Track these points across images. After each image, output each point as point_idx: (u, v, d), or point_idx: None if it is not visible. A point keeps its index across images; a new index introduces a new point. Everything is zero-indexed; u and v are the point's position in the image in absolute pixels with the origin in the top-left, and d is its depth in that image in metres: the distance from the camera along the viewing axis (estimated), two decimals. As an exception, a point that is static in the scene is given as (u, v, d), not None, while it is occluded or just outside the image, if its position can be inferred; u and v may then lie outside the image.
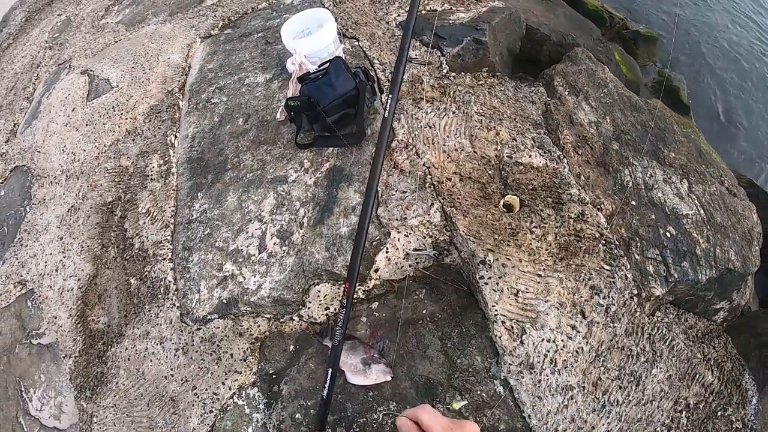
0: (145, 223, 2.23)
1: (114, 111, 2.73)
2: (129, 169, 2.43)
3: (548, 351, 1.68)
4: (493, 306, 1.73)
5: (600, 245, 1.82)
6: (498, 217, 1.85)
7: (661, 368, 1.78)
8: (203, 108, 2.54)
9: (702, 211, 2.06)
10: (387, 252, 1.88)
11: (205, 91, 2.59)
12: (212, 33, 2.96)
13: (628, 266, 1.83)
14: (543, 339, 1.69)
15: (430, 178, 1.92)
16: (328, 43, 2.22)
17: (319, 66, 2.17)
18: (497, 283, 1.82)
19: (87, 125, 2.70)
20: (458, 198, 1.90)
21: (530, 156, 2.04)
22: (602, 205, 1.95)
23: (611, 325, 1.78)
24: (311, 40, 2.22)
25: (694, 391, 1.78)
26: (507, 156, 2.01)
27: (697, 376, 1.82)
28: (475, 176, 1.94)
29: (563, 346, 1.69)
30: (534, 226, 1.85)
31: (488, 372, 1.72)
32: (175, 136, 2.53)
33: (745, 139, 4.20)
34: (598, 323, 1.74)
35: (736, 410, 1.80)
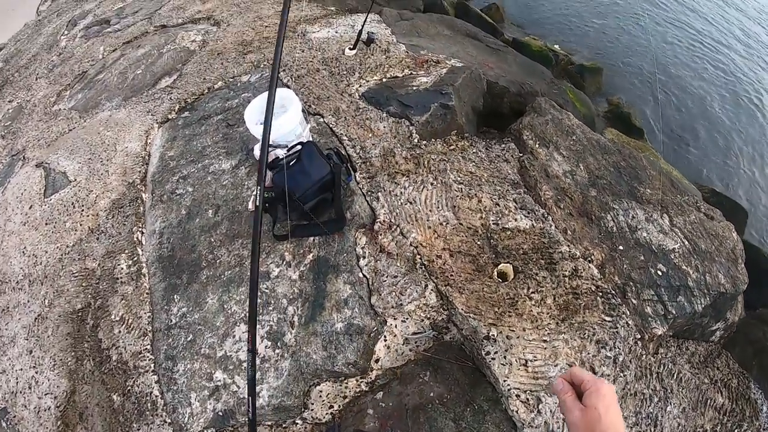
0: (120, 332, 2.27)
1: (74, 207, 2.56)
2: (96, 272, 2.30)
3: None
4: (504, 381, 1.83)
5: (598, 298, 1.99)
6: (495, 289, 1.77)
7: (674, 404, 1.92)
8: (168, 200, 2.64)
9: (686, 242, 2.26)
10: (385, 340, 2.00)
11: (169, 181, 2.73)
12: (169, 117, 3.18)
13: (628, 313, 1.98)
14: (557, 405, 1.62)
15: (420, 258, 2.02)
16: (294, 126, 2.42)
17: (289, 149, 2.32)
18: (505, 357, 1.76)
19: (47, 224, 2.57)
20: (452, 275, 2.05)
21: (516, 219, 2.22)
22: (593, 256, 2.21)
23: (621, 374, 1.89)
24: (277, 125, 2.36)
25: (708, 416, 1.97)
26: (493, 223, 2.21)
27: (709, 401, 2.01)
28: (464, 249, 1.86)
29: None
30: (532, 292, 2.02)
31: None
32: (142, 233, 2.60)
33: (696, 148, 4.38)
34: (608, 375, 1.87)
35: (750, 424, 1.95)
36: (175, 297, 2.21)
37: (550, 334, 1.87)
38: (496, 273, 1.99)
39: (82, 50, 4.31)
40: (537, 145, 2.52)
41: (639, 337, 1.93)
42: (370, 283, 1.97)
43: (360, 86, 2.83)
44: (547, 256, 2.04)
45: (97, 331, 2.29)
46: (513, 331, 1.85)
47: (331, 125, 2.63)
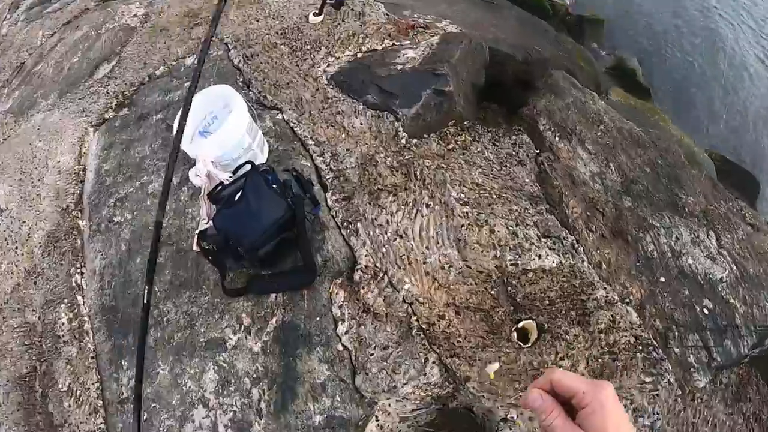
0: (70, 406, 1.84)
1: (8, 245, 2.10)
2: (37, 327, 2.06)
3: None
4: None
5: (637, 354, 1.57)
6: (515, 357, 1.31)
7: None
8: (106, 230, 2.13)
9: (735, 267, 1.85)
10: (377, 420, 1.56)
11: (105, 204, 2.20)
12: (106, 117, 2.53)
13: (670, 368, 1.59)
14: None
15: (417, 320, 1.66)
16: (241, 135, 1.79)
17: (236, 171, 1.76)
18: None
19: (-21, 266, 2.03)
20: (458, 341, 1.57)
21: (539, 256, 1.70)
22: (631, 295, 1.75)
23: None
24: (217, 141, 1.77)
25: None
26: (511, 263, 1.68)
27: (741, 442, 1.64)
28: (474, 303, 1.38)
29: None
30: (560, 358, 1.58)
31: None
32: (81, 273, 2.09)
33: (703, 110, 3.83)
34: None
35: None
36: (122, 363, 1.79)
37: None
38: (515, 334, 1.54)
39: (22, 37, 3.50)
40: (557, 138, 1.94)
41: (679, 393, 1.55)
42: (353, 357, 1.51)
43: (328, 66, 2.13)
44: (579, 305, 1.57)
45: (47, 403, 1.88)
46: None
47: (291, 124, 1.99)
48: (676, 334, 1.66)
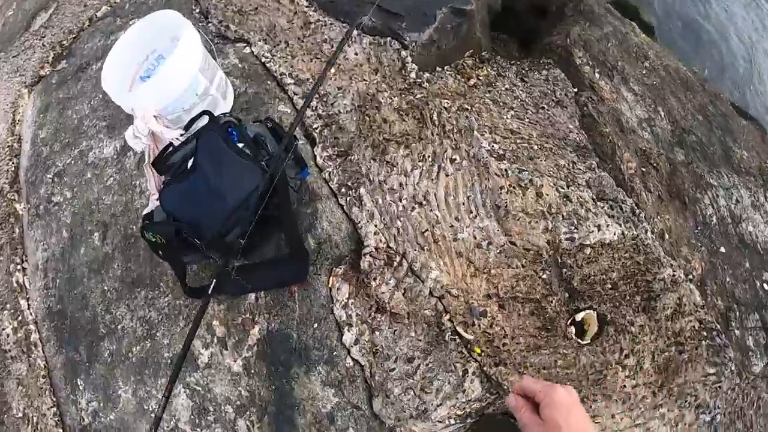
0: None
1: None
2: None
3: None
4: None
5: (702, 341, 1.21)
6: (573, 359, 0.91)
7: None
8: (46, 213, 1.58)
9: None
10: None
11: (44, 181, 1.62)
12: (42, 74, 1.91)
13: (732, 355, 1.24)
14: None
15: (450, 319, 1.16)
16: (193, 77, 1.18)
17: (188, 124, 1.15)
18: None
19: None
20: (504, 344, 1.11)
21: (598, 226, 1.21)
22: (694, 271, 1.35)
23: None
24: (160, 85, 1.16)
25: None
26: (566, 237, 1.19)
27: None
28: (522, 292, 0.91)
29: None
30: (625, 356, 1.17)
31: None
32: (23, 270, 1.55)
33: (712, 50, 3.35)
34: None
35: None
36: (78, 383, 1.33)
37: (644, 412, 1.12)
38: (572, 329, 1.10)
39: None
40: (597, 75, 1.44)
41: (737, 382, 1.25)
42: (368, 375, 1.04)
43: None
44: (645, 288, 1.16)
45: (5, 432, 1.43)
46: (597, 422, 1.06)
47: (263, 58, 1.33)
48: (737, 314, 1.33)
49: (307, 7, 1.48)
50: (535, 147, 1.28)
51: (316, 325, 1.11)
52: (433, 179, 1.19)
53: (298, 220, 1.16)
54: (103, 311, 1.35)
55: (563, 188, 1.22)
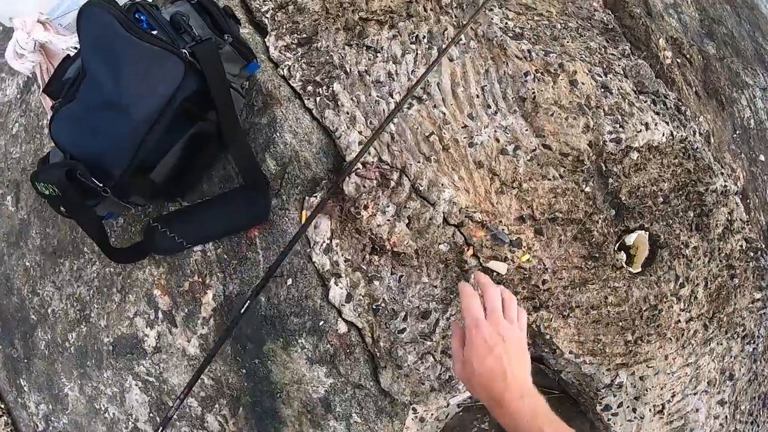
0: None
1: None
2: None
3: None
4: None
5: (749, 263, 0.90)
6: (624, 293, 0.82)
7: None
8: None
9: None
10: (415, 413, 0.75)
11: None
12: None
13: None
14: None
15: (473, 253, 0.71)
16: None
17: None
18: (634, 409, 0.86)
19: None
20: (544, 280, 0.72)
21: (645, 123, 0.80)
22: (738, 181, 1.03)
23: (753, 366, 0.95)
24: None
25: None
26: (611, 138, 0.77)
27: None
28: (563, 211, 0.78)
29: (710, 429, 0.90)
30: (680, 285, 0.83)
31: None
32: None
33: None
34: (743, 376, 0.93)
35: None
36: (22, 383, 0.97)
37: (696, 348, 0.84)
38: (622, 255, 0.78)
39: None
40: None
41: None
42: (370, 341, 0.65)
43: None
44: (697, 201, 0.85)
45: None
46: (650, 367, 0.76)
47: None
48: None
49: None
50: (558, 26, 0.90)
51: (290, 281, 0.70)
52: (432, 65, 0.80)
53: (250, 136, 0.74)
54: (29, 293, 0.89)
55: (600, 76, 0.84)
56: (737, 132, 1.01)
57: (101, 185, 0.62)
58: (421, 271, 0.70)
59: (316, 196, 0.72)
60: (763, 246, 0.98)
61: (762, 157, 1.04)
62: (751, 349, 1.00)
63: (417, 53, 0.79)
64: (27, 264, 0.93)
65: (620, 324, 0.80)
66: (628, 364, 0.82)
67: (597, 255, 0.78)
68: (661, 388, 0.87)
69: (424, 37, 0.80)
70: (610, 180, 0.80)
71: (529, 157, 0.75)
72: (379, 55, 0.78)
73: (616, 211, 0.81)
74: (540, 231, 0.75)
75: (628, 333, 0.80)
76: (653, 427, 0.89)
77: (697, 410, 0.94)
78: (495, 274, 0.72)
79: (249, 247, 0.71)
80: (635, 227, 0.82)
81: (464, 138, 0.74)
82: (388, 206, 0.71)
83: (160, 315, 0.74)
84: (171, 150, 0.67)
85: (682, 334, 0.87)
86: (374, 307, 0.70)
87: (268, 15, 0.81)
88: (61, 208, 0.64)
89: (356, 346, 0.69)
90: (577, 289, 0.76)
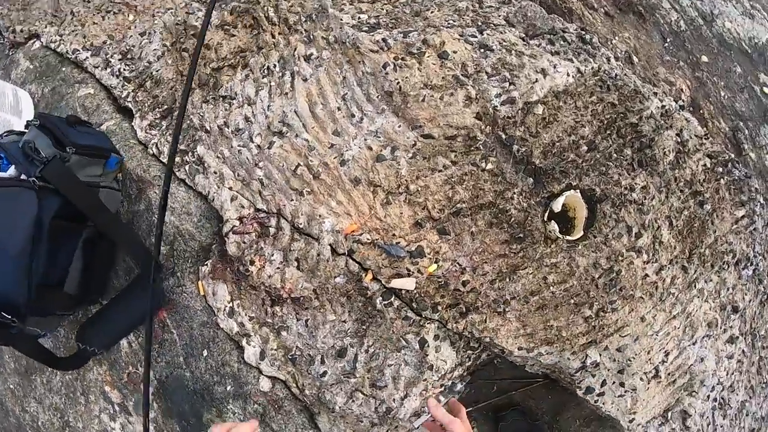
0: None
1: None
2: None
3: (717, 400, 0.70)
4: (630, 421, 0.64)
5: (720, 180, 0.67)
6: (567, 266, 0.58)
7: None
8: None
9: None
10: None
11: None
12: None
13: (757, 185, 0.71)
14: (708, 396, 0.69)
15: (372, 277, 0.57)
16: None
17: None
18: (621, 384, 0.67)
19: None
20: (464, 281, 0.55)
21: (541, 69, 0.57)
22: (682, 94, 0.77)
23: (760, 287, 0.74)
24: None
25: None
26: (501, 101, 0.56)
27: None
28: (466, 199, 0.65)
29: (726, 371, 0.71)
30: (636, 236, 0.62)
31: None
32: None
33: None
34: (751, 302, 0.72)
35: None
36: None
37: (679, 296, 0.63)
38: (554, 225, 0.61)
39: None
40: None
41: None
42: (297, 392, 0.55)
43: None
44: (633, 135, 0.64)
45: None
46: (625, 335, 0.58)
47: (52, 44, 0.76)
48: (746, 132, 0.82)
49: None
50: None
51: (205, 352, 0.61)
52: (287, 93, 0.66)
53: (135, 225, 0.66)
54: (21, 412, 0.85)
55: (475, 36, 0.66)
56: (668, 40, 0.76)
57: (9, 317, 0.57)
58: (324, 310, 0.58)
59: (207, 264, 0.63)
60: (733, 156, 0.73)
61: (705, 58, 0.78)
62: (750, 272, 0.76)
63: (270, 86, 0.66)
64: (11, 386, 0.88)
65: (572, 301, 0.62)
66: (596, 340, 0.64)
67: (522, 235, 0.61)
68: (648, 352, 0.68)
69: (275, 66, 0.67)
70: (515, 147, 0.62)
71: (410, 155, 0.60)
72: (234, 101, 0.66)
73: (534, 178, 0.63)
74: (444, 230, 0.59)
75: (585, 308, 0.62)
76: (652, 393, 0.70)
77: (702, 359, 0.73)
78: (404, 292, 0.58)
79: (164, 329, 0.62)
80: (561, 189, 0.63)
81: (334, 158, 0.60)
82: (273, 254, 0.59)
83: (116, 408, 0.67)
84: (72, 263, 0.61)
85: (656, 288, 0.67)
86: (290, 357, 0.59)
87: (130, 98, 0.71)
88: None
89: (284, 400, 0.57)
90: (507, 279, 0.60)
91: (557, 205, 0.61)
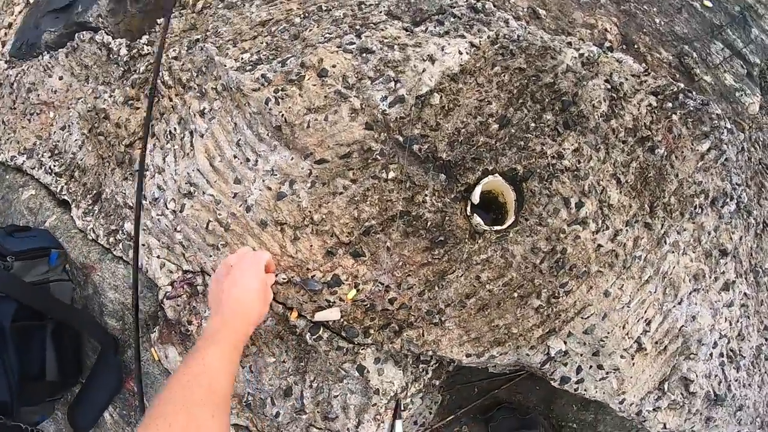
0: None
1: None
2: None
3: (724, 355, 0.62)
4: (620, 403, 0.57)
5: (672, 116, 0.56)
6: (501, 259, 0.61)
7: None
8: None
9: None
10: None
11: None
12: None
13: (718, 111, 0.57)
14: (710, 354, 0.60)
15: (297, 315, 0.56)
16: None
17: None
18: (600, 366, 0.60)
19: None
20: (392, 299, 0.52)
21: (428, 56, 0.53)
22: (607, 34, 0.66)
23: (749, 220, 0.65)
24: None
25: None
26: (389, 103, 0.52)
27: None
28: (375, 214, 0.57)
29: (729, 321, 0.61)
30: (576, 206, 0.54)
31: None
32: None
33: None
34: (743, 238, 0.62)
35: None
36: None
37: (648, 257, 0.55)
38: (477, 219, 0.56)
39: None
40: None
41: (742, 138, 0.64)
42: None
43: (2, 45, 0.91)
44: (551, 97, 0.57)
45: None
46: (588, 316, 0.52)
47: None
48: (695, 55, 0.69)
49: (7, 68, 0.87)
50: (298, 19, 0.68)
51: None
52: (188, 153, 0.66)
53: (89, 308, 0.70)
54: None
55: (354, 42, 0.61)
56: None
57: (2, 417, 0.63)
58: (263, 354, 0.57)
59: (155, 331, 0.65)
60: (683, 85, 0.62)
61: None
62: (733, 208, 0.64)
63: (174, 149, 0.66)
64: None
65: (515, 294, 0.56)
66: (555, 329, 0.57)
67: (442, 238, 0.56)
68: (623, 327, 0.60)
69: (176, 129, 0.67)
70: (416, 146, 0.57)
71: (309, 185, 0.57)
72: (147, 172, 0.67)
73: (445, 173, 0.58)
74: (357, 252, 0.56)
75: (533, 298, 0.56)
76: (641, 368, 0.62)
77: (694, 317, 0.63)
78: (332, 322, 0.56)
79: (134, 396, 0.67)
80: (477, 178, 0.57)
81: (239, 206, 0.59)
82: (206, 311, 0.60)
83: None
84: (46, 354, 0.66)
85: (615, 257, 0.58)
86: (245, 403, 0.59)
87: (64, 191, 0.74)
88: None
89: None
90: (436, 287, 0.55)
91: (475, 197, 0.56)
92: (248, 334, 0.45)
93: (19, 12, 0.99)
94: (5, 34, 0.99)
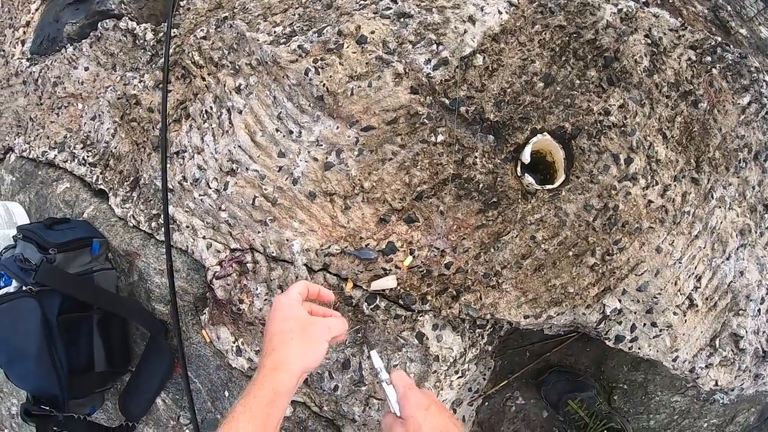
0: None
1: None
2: None
3: None
4: (674, 360, 0.54)
5: (712, 70, 0.50)
6: (555, 218, 0.55)
7: None
8: None
9: None
10: None
11: None
12: None
13: (756, 64, 0.50)
14: (758, 310, 0.56)
15: (352, 285, 0.51)
16: None
17: None
18: (654, 324, 0.55)
19: None
20: (448, 264, 0.48)
21: (469, 17, 0.48)
22: None
23: None
24: None
25: None
26: (433, 66, 0.48)
27: None
28: (426, 179, 0.52)
29: None
30: (626, 162, 0.50)
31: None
32: None
33: None
34: None
35: None
36: None
37: (696, 212, 0.52)
38: (528, 178, 0.52)
39: None
40: None
41: None
42: (317, 409, 0.52)
43: (22, 43, 0.85)
44: (593, 54, 0.54)
45: None
46: (642, 273, 0.49)
47: (24, 153, 0.79)
48: (729, 7, 0.66)
49: (29, 67, 0.84)
50: None
51: (227, 393, 0.60)
52: (228, 131, 0.62)
53: (135, 295, 0.66)
54: None
55: (390, 7, 0.57)
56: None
57: (47, 409, 0.59)
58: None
59: (205, 313, 0.61)
60: (720, 39, 0.59)
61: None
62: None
63: (212, 128, 0.62)
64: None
65: (571, 253, 0.53)
66: (610, 287, 0.54)
67: (495, 199, 0.53)
68: (675, 284, 0.57)
69: (212, 108, 0.63)
70: (463, 108, 0.53)
71: (357, 153, 0.53)
72: (186, 154, 0.63)
73: (494, 134, 0.54)
74: (411, 218, 0.52)
75: (588, 256, 0.53)
76: (692, 325, 0.59)
77: (742, 272, 0.61)
78: (389, 291, 0.53)
79: (181, 378, 0.63)
80: (526, 138, 0.54)
81: (286, 180, 0.55)
82: (257, 288, 0.56)
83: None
84: (94, 346, 0.63)
85: (666, 212, 0.56)
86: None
87: (100, 181, 0.70)
88: (54, 428, 0.60)
89: (307, 420, 0.55)
90: (492, 249, 0.52)
91: (526, 156, 0.53)
92: (292, 384, 0.37)
93: (36, 9, 0.94)
94: (24, 32, 0.95)
